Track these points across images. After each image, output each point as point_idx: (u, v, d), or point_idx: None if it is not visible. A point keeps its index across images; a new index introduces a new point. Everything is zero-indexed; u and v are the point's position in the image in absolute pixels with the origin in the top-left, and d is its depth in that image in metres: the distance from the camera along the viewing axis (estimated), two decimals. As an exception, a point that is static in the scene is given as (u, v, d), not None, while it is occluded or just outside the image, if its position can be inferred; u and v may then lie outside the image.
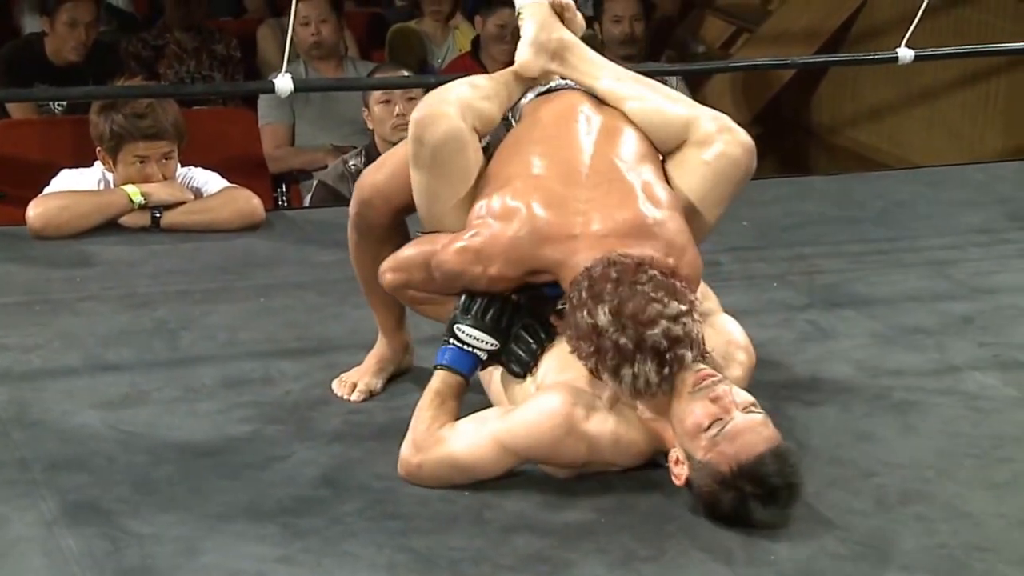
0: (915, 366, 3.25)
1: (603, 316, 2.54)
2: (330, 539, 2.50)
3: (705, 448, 2.51)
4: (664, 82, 6.34)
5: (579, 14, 3.02)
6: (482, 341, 2.73)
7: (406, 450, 2.70)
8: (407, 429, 2.72)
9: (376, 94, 4.79)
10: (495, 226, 2.69)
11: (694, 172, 2.81)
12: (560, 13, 2.99)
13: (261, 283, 3.72)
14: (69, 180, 4.13)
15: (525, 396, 2.73)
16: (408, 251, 2.85)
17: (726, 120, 2.85)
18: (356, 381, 3.08)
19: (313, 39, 5.78)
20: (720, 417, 2.52)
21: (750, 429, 2.51)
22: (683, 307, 2.55)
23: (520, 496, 2.64)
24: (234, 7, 7.43)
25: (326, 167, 5.11)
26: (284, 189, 5.64)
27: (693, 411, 2.53)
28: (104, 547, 2.46)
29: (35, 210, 3.99)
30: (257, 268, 3.84)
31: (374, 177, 2.97)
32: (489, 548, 2.48)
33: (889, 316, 3.54)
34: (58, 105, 5.64)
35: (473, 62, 6.10)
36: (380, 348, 3.12)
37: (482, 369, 2.80)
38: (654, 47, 7.13)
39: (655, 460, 2.67)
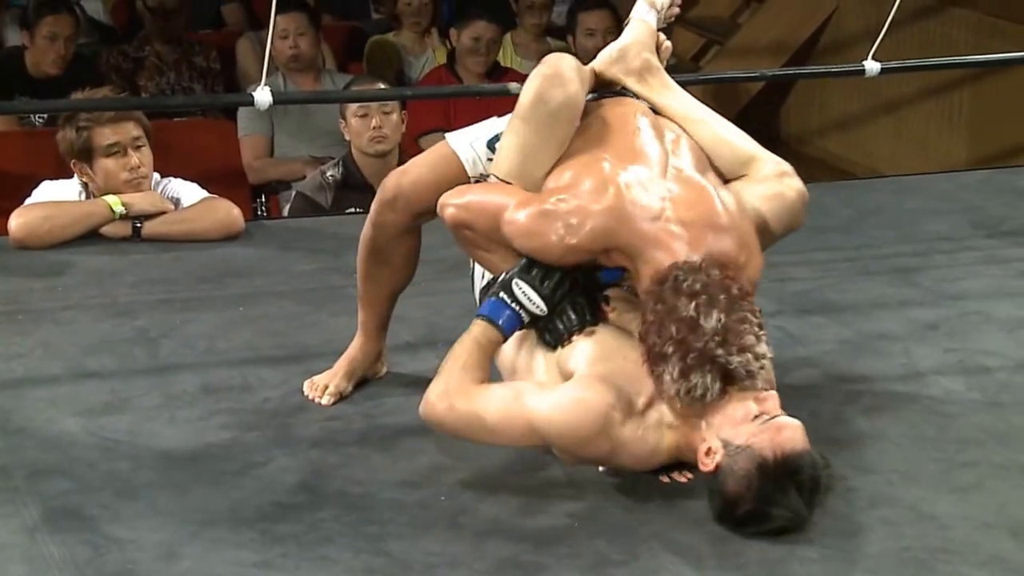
0: (882, 372, 3.29)
1: (713, 320, 2.53)
2: (307, 544, 2.53)
3: (750, 434, 2.53)
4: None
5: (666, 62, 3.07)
6: (533, 304, 2.71)
7: (436, 395, 2.69)
8: (387, 434, 2.76)
9: (353, 106, 4.82)
10: (585, 198, 2.68)
11: (748, 207, 2.82)
12: (658, 45, 3.04)
13: (240, 292, 3.75)
14: (50, 191, 4.16)
15: (550, 373, 2.72)
16: (479, 195, 2.82)
17: (788, 167, 2.90)
18: (327, 384, 3.10)
19: (291, 52, 5.80)
20: (766, 412, 2.56)
21: (794, 427, 2.56)
22: (768, 351, 2.58)
23: (495, 501, 2.67)
24: (214, 20, 7.45)
25: (304, 178, 5.14)
26: (263, 199, 5.66)
27: (744, 405, 2.56)
28: (85, 553, 2.49)
29: (17, 220, 4.01)
30: (236, 277, 3.86)
31: (399, 180, 2.99)
32: (464, 553, 2.51)
33: (857, 322, 3.58)
34: (39, 117, 5.66)
35: (449, 74, 6.15)
36: (353, 351, 3.14)
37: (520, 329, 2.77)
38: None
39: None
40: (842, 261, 4.03)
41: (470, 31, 6.13)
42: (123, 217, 4.06)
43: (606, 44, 6.88)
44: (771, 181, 2.87)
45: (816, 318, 3.61)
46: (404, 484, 2.73)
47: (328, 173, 4.80)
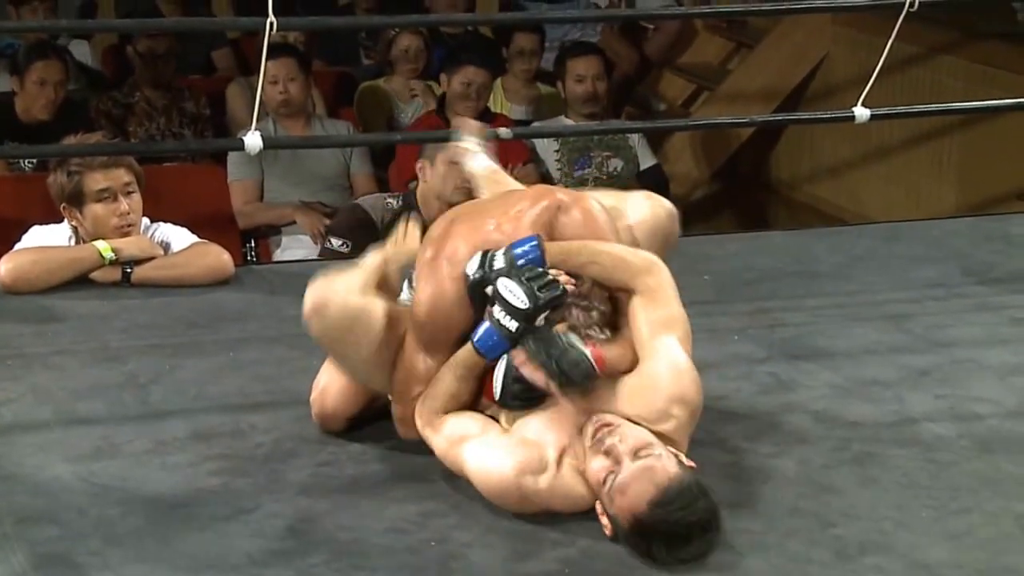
0: (873, 418, 3.28)
1: None
2: (298, 590, 2.52)
3: (608, 501, 2.61)
4: (626, 139, 6.42)
5: None
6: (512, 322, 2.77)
7: (416, 411, 2.88)
8: (377, 479, 2.79)
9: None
10: None
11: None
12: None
13: (231, 337, 3.75)
14: (40, 236, 4.15)
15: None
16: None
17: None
18: None
19: (281, 97, 5.82)
20: (612, 470, 2.60)
21: (637, 478, 2.57)
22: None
23: (486, 547, 2.67)
24: (204, 65, 7.46)
25: (294, 223, 5.13)
26: (253, 244, 5.68)
27: (592, 467, 2.64)
28: (74, 599, 2.48)
29: (6, 265, 4.00)
30: (227, 322, 3.86)
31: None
32: (455, 599, 2.51)
33: (848, 368, 3.57)
34: (28, 162, 5.67)
35: (439, 119, 6.16)
36: None
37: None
38: (615, 105, 7.22)
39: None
40: (832, 307, 4.03)
41: (461, 76, 6.15)
42: (113, 262, 4.06)
43: (595, 89, 6.92)
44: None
45: (807, 364, 3.61)
46: (394, 530, 2.73)
47: (388, 200, 4.88)
